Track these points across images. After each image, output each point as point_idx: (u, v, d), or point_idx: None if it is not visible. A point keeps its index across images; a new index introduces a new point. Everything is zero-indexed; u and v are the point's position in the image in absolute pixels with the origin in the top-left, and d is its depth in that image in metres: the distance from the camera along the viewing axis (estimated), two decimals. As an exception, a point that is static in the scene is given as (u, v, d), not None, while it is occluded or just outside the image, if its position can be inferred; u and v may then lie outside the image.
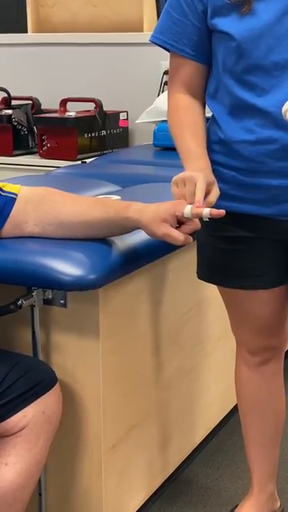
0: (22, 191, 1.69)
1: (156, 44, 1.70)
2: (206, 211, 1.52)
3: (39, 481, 1.73)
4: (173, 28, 1.65)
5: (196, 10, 1.61)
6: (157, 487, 2.07)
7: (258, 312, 1.78)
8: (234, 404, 2.25)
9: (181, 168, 2.75)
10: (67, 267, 1.58)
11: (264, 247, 1.69)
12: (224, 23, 1.57)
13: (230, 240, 1.70)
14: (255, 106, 1.57)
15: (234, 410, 2.35)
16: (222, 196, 1.64)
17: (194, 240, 1.63)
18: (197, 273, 1.82)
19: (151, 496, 2.05)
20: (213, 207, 1.63)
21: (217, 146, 1.67)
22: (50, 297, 1.68)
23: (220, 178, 1.66)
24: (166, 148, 3.13)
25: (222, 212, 1.52)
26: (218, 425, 2.43)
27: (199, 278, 1.82)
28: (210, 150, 1.69)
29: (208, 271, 1.80)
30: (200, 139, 1.66)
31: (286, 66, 1.53)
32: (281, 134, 1.56)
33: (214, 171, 1.67)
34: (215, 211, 1.52)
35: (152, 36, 1.70)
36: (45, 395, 1.57)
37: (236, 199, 1.65)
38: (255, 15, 1.53)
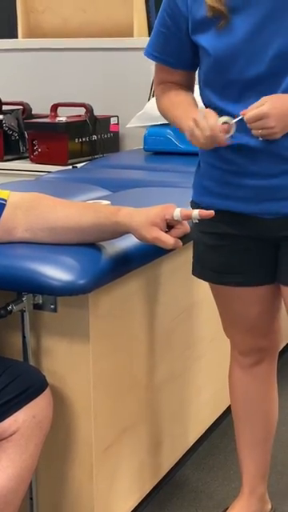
0: (12, 197, 1.70)
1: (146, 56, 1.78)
2: (195, 213, 1.57)
3: (30, 485, 1.73)
4: (158, 40, 1.73)
5: (178, 22, 1.66)
6: (148, 490, 2.07)
7: (246, 311, 1.81)
8: (226, 406, 2.26)
9: (171, 172, 2.78)
10: (57, 272, 1.59)
11: (250, 245, 1.72)
12: (203, 39, 1.63)
13: (217, 237, 1.74)
14: (231, 114, 1.59)
15: (227, 413, 2.36)
16: (210, 193, 1.71)
17: (183, 244, 1.65)
18: (192, 269, 1.85)
19: (143, 499, 2.05)
20: (201, 204, 1.71)
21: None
22: (40, 302, 1.68)
23: (209, 176, 1.72)
24: (156, 152, 3.15)
25: (211, 213, 1.57)
26: (209, 427, 2.43)
27: (193, 274, 1.85)
28: (200, 151, 1.73)
29: (199, 267, 1.83)
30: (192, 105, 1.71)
31: (261, 80, 1.57)
32: (252, 140, 1.59)
33: (204, 169, 1.73)
34: (204, 212, 1.57)
35: (144, 50, 1.77)
36: (35, 400, 1.57)
37: (223, 197, 1.69)
38: (232, 31, 1.58)
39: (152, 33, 1.76)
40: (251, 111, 1.52)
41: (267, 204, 1.65)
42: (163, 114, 1.77)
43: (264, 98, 1.53)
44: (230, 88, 1.61)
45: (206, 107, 1.67)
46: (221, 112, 1.61)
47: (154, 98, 1.86)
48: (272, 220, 1.66)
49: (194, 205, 1.77)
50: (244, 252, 1.73)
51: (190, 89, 1.78)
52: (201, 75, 1.70)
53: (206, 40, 1.62)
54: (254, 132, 1.54)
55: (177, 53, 1.71)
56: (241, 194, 1.67)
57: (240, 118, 1.54)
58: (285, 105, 1.53)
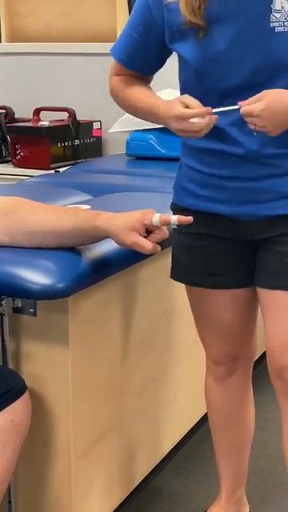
0: (-9, 201, 1.71)
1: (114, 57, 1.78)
2: (174, 218, 1.59)
3: (8, 489, 1.73)
4: (126, 44, 1.74)
5: (150, 31, 1.68)
6: (127, 495, 2.08)
7: (221, 315, 1.80)
8: (205, 411, 2.27)
9: (153, 177, 2.79)
10: (36, 276, 1.60)
11: (228, 247, 1.73)
12: (181, 48, 1.64)
13: (195, 237, 1.74)
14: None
15: (205, 418, 2.36)
16: (191, 195, 1.72)
17: (162, 249, 1.66)
18: (170, 272, 1.86)
19: (122, 503, 2.05)
20: (181, 206, 1.73)
21: (186, 150, 1.74)
22: (20, 305, 1.69)
23: (189, 179, 1.73)
24: (138, 157, 3.16)
25: (190, 219, 1.58)
26: (189, 432, 2.44)
27: (170, 277, 1.85)
28: (182, 153, 1.76)
29: (175, 269, 1.83)
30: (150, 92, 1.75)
31: (239, 90, 1.58)
32: (225, 146, 1.62)
33: (185, 172, 1.74)
34: (183, 218, 1.58)
35: (112, 47, 1.78)
36: (13, 403, 1.58)
37: (203, 198, 1.71)
38: (210, 42, 1.58)
39: (122, 32, 1.76)
40: (246, 106, 1.51)
41: (245, 206, 1.66)
42: (127, 106, 1.78)
43: (262, 94, 1.51)
44: (208, 96, 1.60)
45: None
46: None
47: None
48: (249, 222, 1.68)
49: (175, 206, 1.78)
50: (221, 253, 1.74)
51: (148, 80, 1.80)
52: (180, 81, 1.70)
53: (184, 50, 1.63)
54: (248, 125, 1.54)
55: (142, 61, 1.74)
56: (220, 196, 1.68)
57: (236, 107, 1.53)
58: (279, 105, 1.52)
